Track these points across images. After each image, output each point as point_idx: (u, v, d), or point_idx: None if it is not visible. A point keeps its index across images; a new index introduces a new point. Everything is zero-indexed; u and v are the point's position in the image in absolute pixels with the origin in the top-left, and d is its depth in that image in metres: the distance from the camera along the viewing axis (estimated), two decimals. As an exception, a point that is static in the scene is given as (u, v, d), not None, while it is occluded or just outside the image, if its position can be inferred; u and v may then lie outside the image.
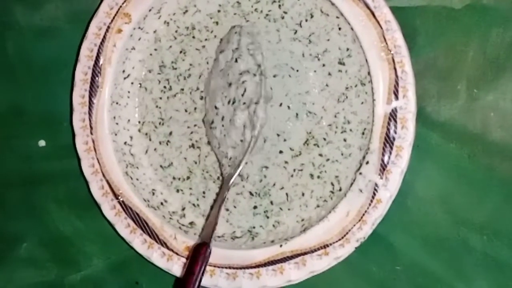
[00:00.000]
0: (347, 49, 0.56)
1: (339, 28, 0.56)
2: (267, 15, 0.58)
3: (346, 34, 0.56)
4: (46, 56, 0.65)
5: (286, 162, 0.59)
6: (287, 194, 0.59)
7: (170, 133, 0.61)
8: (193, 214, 0.60)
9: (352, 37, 0.55)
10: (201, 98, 0.60)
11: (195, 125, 0.61)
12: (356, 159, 0.56)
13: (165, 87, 0.61)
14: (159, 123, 0.61)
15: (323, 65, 0.57)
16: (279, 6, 0.58)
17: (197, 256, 0.53)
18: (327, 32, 0.57)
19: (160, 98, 0.61)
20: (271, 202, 0.59)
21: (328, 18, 0.56)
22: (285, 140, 0.59)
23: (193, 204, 0.61)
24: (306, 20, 0.57)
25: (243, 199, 0.60)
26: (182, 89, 0.61)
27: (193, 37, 0.60)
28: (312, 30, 0.57)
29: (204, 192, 0.61)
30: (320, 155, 0.58)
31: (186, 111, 0.61)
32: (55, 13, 0.65)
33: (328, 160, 0.58)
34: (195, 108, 0.61)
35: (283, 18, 0.58)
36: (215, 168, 0.60)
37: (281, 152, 0.59)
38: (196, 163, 0.61)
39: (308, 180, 0.58)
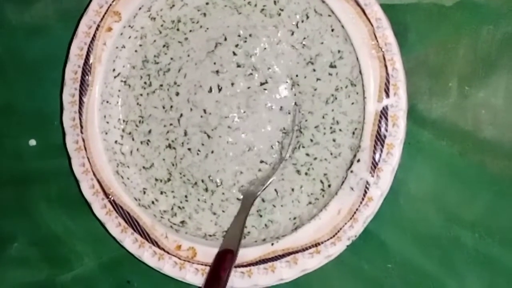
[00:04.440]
0: (339, 51, 0.56)
1: (332, 30, 0.56)
2: (262, 9, 0.58)
3: (338, 35, 0.56)
4: (37, 54, 0.65)
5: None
6: (276, 190, 0.58)
7: (149, 132, 0.61)
8: (181, 216, 0.60)
9: (344, 36, 0.55)
10: (177, 94, 0.60)
11: (171, 124, 0.61)
12: (346, 158, 0.56)
13: (145, 83, 0.61)
14: (139, 121, 0.61)
15: (314, 70, 0.57)
16: (275, 2, 0.57)
17: (223, 262, 0.53)
18: (321, 35, 0.56)
19: (141, 94, 0.61)
20: (263, 200, 0.59)
21: (321, 18, 0.56)
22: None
23: (179, 207, 0.61)
24: (303, 21, 0.57)
25: (230, 205, 0.59)
26: (161, 85, 0.61)
27: (177, 29, 0.60)
28: (307, 33, 0.57)
29: (186, 196, 0.60)
30: (307, 154, 0.58)
31: (163, 108, 0.61)
32: (45, 12, 0.65)
33: (315, 159, 0.57)
34: (171, 106, 0.60)
35: (279, 15, 0.57)
36: (190, 172, 0.60)
37: (262, 162, 0.59)
38: (173, 165, 0.61)
39: (295, 176, 0.58)
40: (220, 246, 0.55)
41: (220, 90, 0.59)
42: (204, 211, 0.60)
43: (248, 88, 0.59)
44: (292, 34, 0.57)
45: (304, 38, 0.57)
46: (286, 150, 0.58)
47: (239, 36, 0.58)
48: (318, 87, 0.57)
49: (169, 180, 0.61)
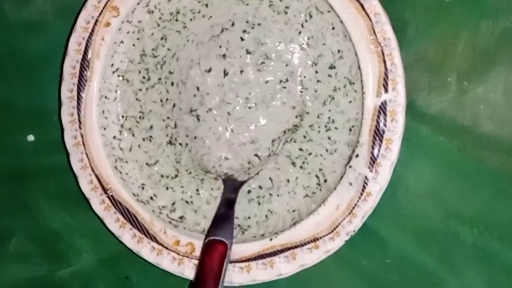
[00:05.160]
0: (339, 51, 0.56)
1: (333, 28, 0.56)
2: (270, 4, 0.57)
3: (338, 33, 0.55)
4: (35, 50, 0.65)
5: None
6: (270, 178, 0.58)
7: (151, 127, 0.61)
8: (183, 210, 0.60)
9: (343, 33, 0.54)
10: (172, 84, 0.60)
11: (168, 118, 0.60)
12: (344, 154, 0.56)
13: (144, 77, 0.61)
14: (140, 117, 0.61)
15: (316, 72, 0.57)
16: None
17: (215, 255, 0.53)
18: (324, 35, 0.56)
19: (140, 89, 0.61)
20: (260, 187, 0.59)
21: (323, 16, 0.56)
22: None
23: (186, 201, 0.60)
24: (306, 21, 0.57)
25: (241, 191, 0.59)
26: (160, 79, 0.60)
27: (176, 20, 0.59)
28: (311, 33, 0.57)
29: (197, 190, 0.60)
30: (301, 149, 0.58)
31: (161, 101, 0.60)
32: (44, 7, 0.65)
33: (310, 154, 0.57)
34: (167, 99, 0.60)
35: (286, 13, 0.57)
36: (190, 167, 0.60)
37: (256, 155, 0.59)
38: (177, 162, 0.61)
39: (290, 167, 0.58)
40: (207, 234, 0.54)
41: (226, 74, 0.58)
42: (217, 199, 0.60)
43: (266, 82, 0.58)
44: (299, 33, 0.57)
45: (309, 39, 0.57)
46: (278, 143, 0.58)
47: (247, 22, 0.57)
48: (318, 89, 0.57)
49: (176, 176, 0.61)
